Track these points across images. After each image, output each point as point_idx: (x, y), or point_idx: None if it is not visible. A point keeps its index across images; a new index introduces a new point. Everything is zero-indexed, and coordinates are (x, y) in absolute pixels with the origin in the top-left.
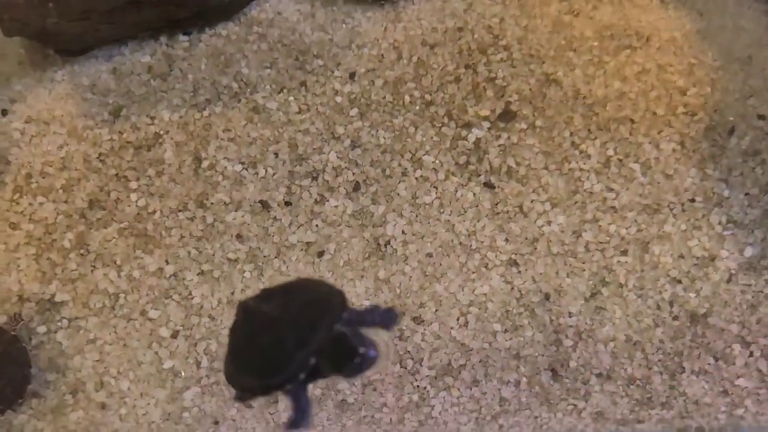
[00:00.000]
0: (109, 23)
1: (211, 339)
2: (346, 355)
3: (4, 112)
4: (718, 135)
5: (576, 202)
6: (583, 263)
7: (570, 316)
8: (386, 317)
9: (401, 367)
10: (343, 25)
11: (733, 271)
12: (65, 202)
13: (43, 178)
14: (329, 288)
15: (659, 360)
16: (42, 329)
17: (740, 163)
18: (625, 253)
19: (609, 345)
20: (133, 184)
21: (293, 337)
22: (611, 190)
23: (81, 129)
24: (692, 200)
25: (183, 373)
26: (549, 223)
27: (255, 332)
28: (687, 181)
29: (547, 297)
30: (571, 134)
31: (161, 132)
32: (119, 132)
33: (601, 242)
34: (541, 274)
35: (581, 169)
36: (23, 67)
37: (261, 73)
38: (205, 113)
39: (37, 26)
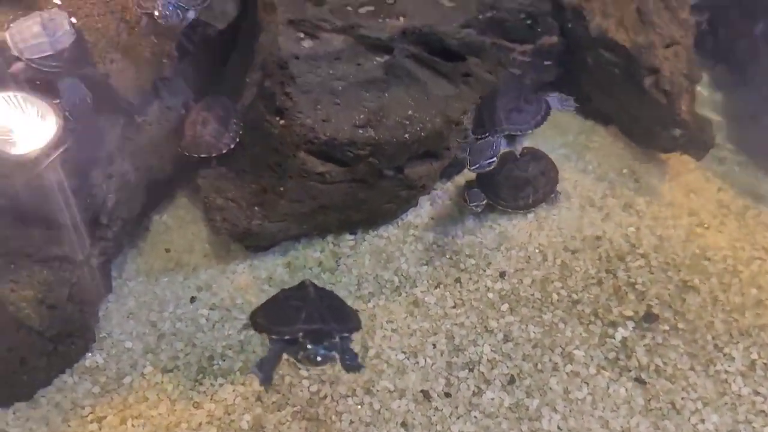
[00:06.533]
0: (298, 223)
1: None
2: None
3: (192, 299)
4: None
5: (726, 403)
6: None
7: None
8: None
9: None
10: (491, 230)
11: None
12: (242, 384)
13: (224, 360)
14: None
15: None
16: None
17: None
18: None
19: None
20: (304, 372)
21: (306, 316)
22: (758, 393)
23: None
24: None
25: None
26: (702, 421)
27: (290, 297)
28: None
29: None
30: (713, 338)
31: None
32: None
33: None
34: None
35: (727, 372)
36: (208, 260)
37: (419, 269)
38: (370, 305)
39: (243, 227)
